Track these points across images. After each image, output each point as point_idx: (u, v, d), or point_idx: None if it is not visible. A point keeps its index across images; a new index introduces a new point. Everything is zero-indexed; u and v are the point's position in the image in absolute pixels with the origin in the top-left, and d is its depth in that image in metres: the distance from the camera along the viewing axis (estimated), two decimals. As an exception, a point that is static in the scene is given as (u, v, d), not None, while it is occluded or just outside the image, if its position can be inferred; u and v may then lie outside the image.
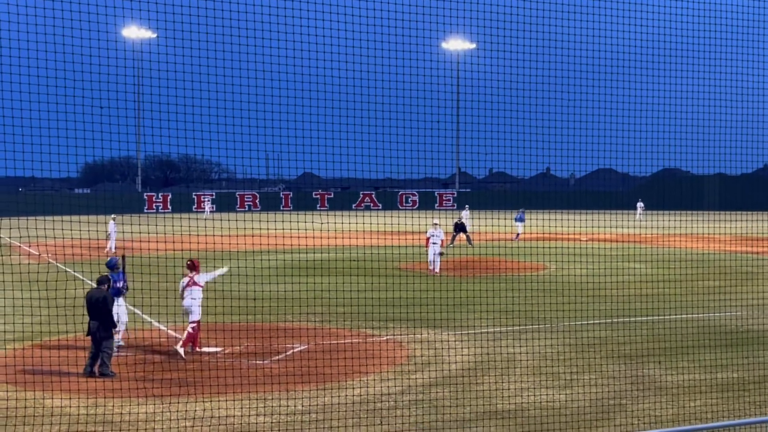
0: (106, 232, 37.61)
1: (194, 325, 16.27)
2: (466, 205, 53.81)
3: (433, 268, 29.78)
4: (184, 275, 16.72)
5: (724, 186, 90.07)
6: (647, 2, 18.50)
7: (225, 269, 18.02)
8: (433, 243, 30.09)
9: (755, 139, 21.94)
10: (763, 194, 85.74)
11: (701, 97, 20.01)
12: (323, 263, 30.24)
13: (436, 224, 30.91)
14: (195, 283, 16.44)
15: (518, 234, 45.48)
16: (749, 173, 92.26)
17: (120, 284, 16.46)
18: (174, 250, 21.03)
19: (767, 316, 19.83)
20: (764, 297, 21.81)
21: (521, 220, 45.92)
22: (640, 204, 72.41)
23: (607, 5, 18.31)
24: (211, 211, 71.61)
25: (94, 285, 15.26)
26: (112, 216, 39.09)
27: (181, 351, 15.87)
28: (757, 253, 36.42)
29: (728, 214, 50.25)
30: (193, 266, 16.62)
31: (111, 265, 16.67)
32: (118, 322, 15.74)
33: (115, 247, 36.63)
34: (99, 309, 14.68)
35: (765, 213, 54.67)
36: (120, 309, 16.40)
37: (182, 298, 16.50)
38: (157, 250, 21.97)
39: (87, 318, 14.93)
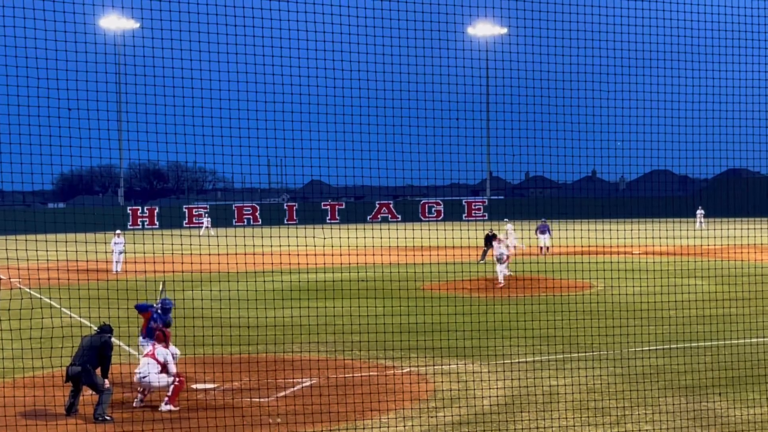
0: (110, 251, 38.06)
1: (178, 379, 15.65)
2: (506, 220, 53.53)
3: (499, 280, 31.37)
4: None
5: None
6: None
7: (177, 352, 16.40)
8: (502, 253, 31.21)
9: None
10: None
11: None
12: (334, 285, 30.35)
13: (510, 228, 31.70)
14: (154, 357, 15.35)
15: (546, 247, 45.48)
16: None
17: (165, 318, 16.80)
18: (156, 272, 21.13)
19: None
20: None
21: (543, 231, 45.98)
22: (700, 211, 72.12)
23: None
24: (207, 227, 72.80)
25: (94, 329, 15.33)
26: (116, 231, 39.56)
27: (171, 407, 15.14)
28: (839, 265, 36.18)
29: (804, 220, 49.91)
30: (162, 338, 15.68)
31: (142, 309, 17.10)
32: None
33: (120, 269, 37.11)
34: (98, 356, 14.82)
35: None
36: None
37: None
38: (145, 272, 22.13)
39: (67, 361, 14.96)
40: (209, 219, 76.53)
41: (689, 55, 19.85)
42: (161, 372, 15.22)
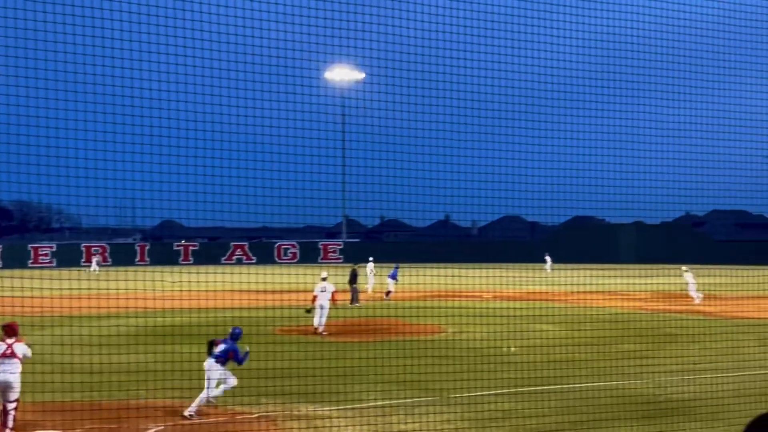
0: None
1: (16, 404, 15.72)
2: (371, 258, 53.83)
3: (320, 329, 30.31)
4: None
5: (642, 235, 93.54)
6: (556, 39, 19.30)
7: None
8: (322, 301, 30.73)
9: (675, 186, 23.02)
10: (683, 245, 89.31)
11: (616, 140, 20.91)
12: (183, 328, 29.77)
13: (324, 278, 31.37)
14: (14, 354, 15.96)
15: (389, 292, 45.70)
16: (669, 222, 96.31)
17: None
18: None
19: (690, 383, 20.60)
20: (686, 361, 22.66)
21: (394, 277, 46.16)
22: (548, 257, 74.37)
23: (516, 37, 19.01)
24: (98, 264, 73.62)
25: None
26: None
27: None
28: (679, 312, 37.85)
29: (646, 268, 52.11)
30: (12, 332, 16.15)
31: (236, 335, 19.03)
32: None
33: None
34: None
35: (687, 266, 56.95)
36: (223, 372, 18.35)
37: None
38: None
39: None
40: (98, 258, 77.50)
41: (539, 108, 20.59)
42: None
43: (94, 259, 77.14)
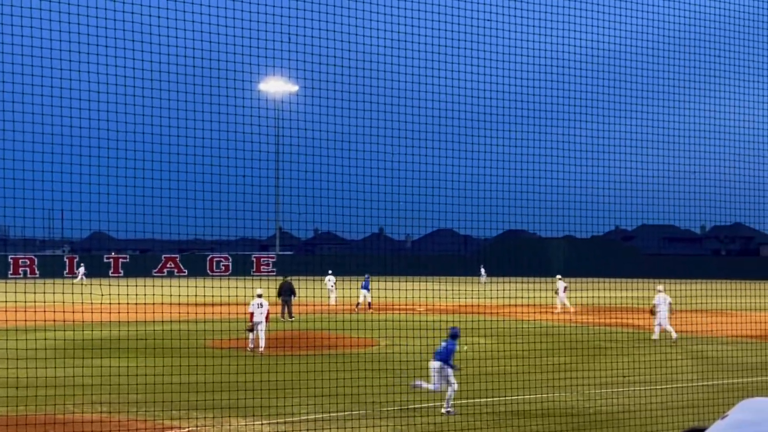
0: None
1: None
2: (330, 271, 54.02)
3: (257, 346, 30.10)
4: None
5: (573, 249, 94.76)
6: (489, 51, 19.50)
7: None
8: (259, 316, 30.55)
9: (605, 200, 23.36)
10: (613, 258, 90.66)
11: (547, 155, 21.17)
12: (113, 342, 29.36)
13: (260, 295, 31.13)
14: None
15: (369, 303, 46.48)
16: (599, 236, 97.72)
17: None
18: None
19: (619, 395, 20.89)
20: (615, 374, 22.98)
21: (366, 287, 46.99)
22: (483, 270, 75.02)
23: (452, 52, 19.16)
24: (84, 275, 74.27)
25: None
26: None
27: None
28: (608, 324, 38.37)
29: (577, 281, 52.68)
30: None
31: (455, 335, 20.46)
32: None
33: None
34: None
35: (616, 280, 57.82)
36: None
37: None
38: None
39: None
40: (83, 268, 77.97)
41: (472, 122, 20.77)
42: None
43: (81, 270, 77.52)
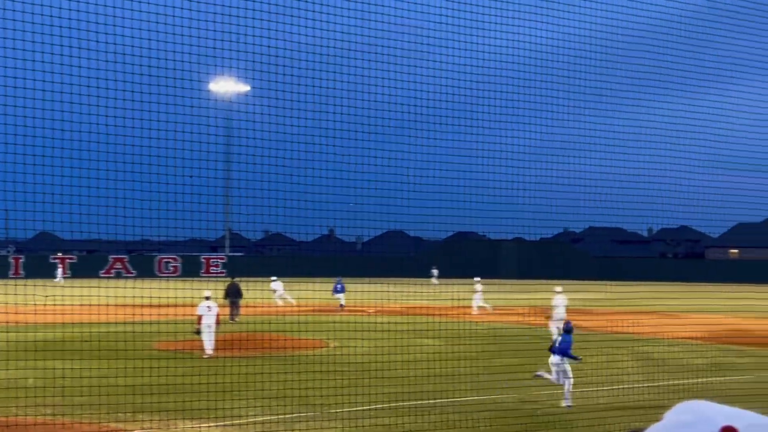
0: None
1: None
2: (274, 277, 53.46)
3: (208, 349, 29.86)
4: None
5: (523, 251, 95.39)
6: (433, 58, 19.58)
7: None
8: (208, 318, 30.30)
9: (554, 203, 23.58)
10: (562, 260, 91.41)
11: (498, 157, 21.29)
12: (57, 344, 28.93)
13: (208, 297, 30.84)
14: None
15: (341, 305, 46.93)
16: (548, 238, 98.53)
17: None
18: None
19: (567, 398, 21.06)
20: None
21: (340, 290, 47.48)
22: (434, 271, 75.25)
23: (399, 53, 19.20)
24: (64, 277, 74.30)
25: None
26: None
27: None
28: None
29: (526, 283, 53.12)
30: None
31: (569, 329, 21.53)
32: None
33: None
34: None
35: (564, 282, 58.35)
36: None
37: None
38: None
39: None
40: (61, 269, 78.06)
41: (422, 124, 20.84)
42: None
43: (59, 270, 78.01)
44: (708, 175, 24.01)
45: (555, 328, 33.72)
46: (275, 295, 48.86)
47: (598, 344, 29.80)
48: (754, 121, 24.24)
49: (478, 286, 48.04)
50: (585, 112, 22.60)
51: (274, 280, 50.15)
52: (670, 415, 1.95)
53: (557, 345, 21.38)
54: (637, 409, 19.45)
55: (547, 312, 34.75)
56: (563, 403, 20.57)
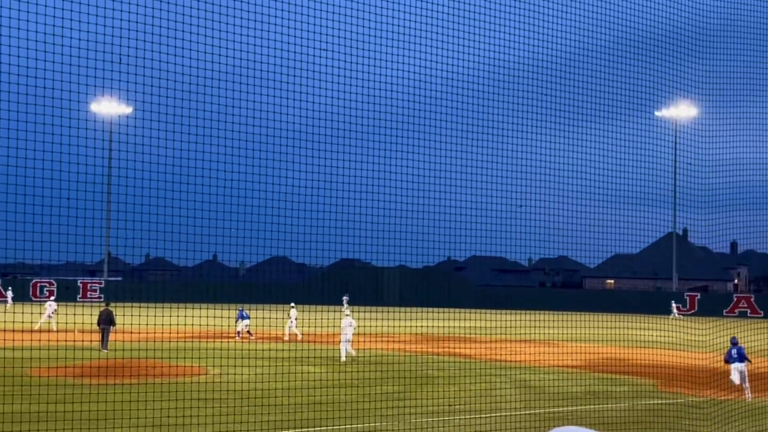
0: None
1: None
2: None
3: None
4: None
5: (406, 279, 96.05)
6: (325, 84, 19.65)
7: None
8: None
9: (438, 231, 23.85)
10: (445, 288, 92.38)
11: (381, 185, 21.44)
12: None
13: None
14: None
15: (249, 331, 45.93)
16: (432, 266, 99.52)
17: None
18: None
19: (446, 424, 21.22)
20: (442, 403, 23.34)
21: (246, 317, 46.37)
22: (345, 297, 75.86)
23: (284, 79, 19.18)
24: (13, 300, 72.59)
25: None
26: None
27: None
28: (437, 354, 39.00)
29: (410, 311, 53.48)
30: None
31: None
32: None
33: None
34: None
35: (447, 310, 58.96)
36: None
37: None
38: None
39: None
40: (11, 294, 76.36)
41: (306, 150, 20.84)
42: None
43: (9, 294, 76.47)
44: (586, 207, 24.66)
45: (343, 350, 35.17)
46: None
47: (478, 372, 30.18)
48: (632, 156, 25.05)
49: (293, 312, 47.72)
50: (469, 143, 22.98)
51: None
52: None
53: (735, 356, 25.28)
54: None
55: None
56: (747, 398, 24.79)
